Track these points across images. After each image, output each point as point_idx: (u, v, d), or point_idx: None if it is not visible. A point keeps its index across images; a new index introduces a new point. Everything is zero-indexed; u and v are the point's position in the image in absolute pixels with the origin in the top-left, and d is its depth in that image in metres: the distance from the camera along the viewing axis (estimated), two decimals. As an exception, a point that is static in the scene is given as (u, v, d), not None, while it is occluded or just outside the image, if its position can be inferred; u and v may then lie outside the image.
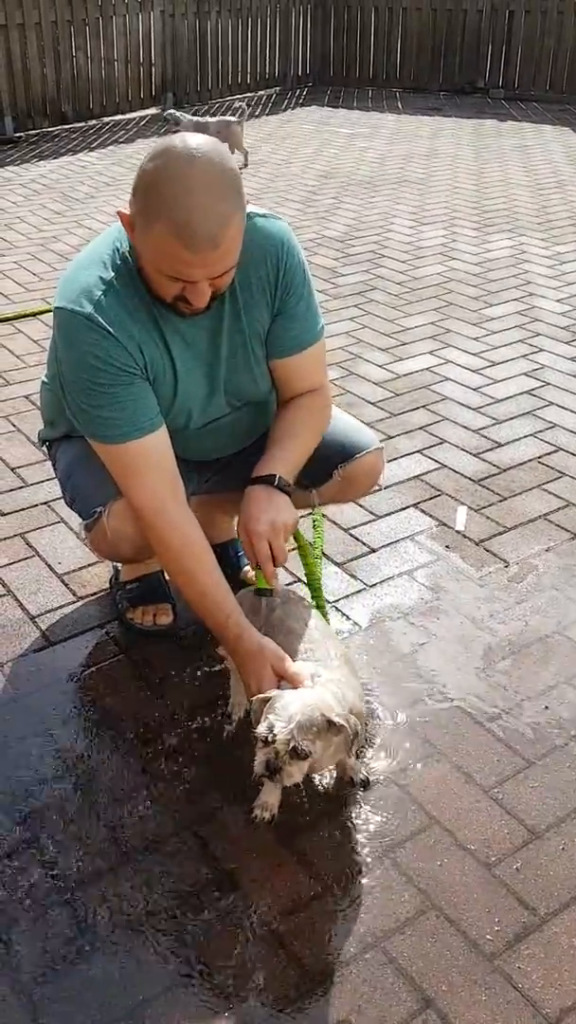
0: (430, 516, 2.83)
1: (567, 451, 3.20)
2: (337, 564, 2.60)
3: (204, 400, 1.97)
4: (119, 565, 2.43)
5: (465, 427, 3.37)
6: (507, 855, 1.77)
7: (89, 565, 2.59)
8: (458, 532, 2.75)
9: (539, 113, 9.80)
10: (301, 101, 10.67)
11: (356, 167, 7.50)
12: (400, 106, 10.30)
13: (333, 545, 2.67)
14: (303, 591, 2.11)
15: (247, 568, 2.48)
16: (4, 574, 2.57)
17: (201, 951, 1.60)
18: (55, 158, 7.87)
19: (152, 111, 9.84)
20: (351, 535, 2.73)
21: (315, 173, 7.28)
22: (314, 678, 1.72)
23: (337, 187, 6.85)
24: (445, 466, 3.11)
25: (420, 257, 5.27)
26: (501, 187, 6.82)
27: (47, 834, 1.82)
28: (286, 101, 10.65)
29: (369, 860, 1.76)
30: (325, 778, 1.91)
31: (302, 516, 2.67)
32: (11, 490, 2.98)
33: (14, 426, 3.39)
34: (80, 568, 2.58)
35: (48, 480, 2.96)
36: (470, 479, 3.03)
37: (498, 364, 3.89)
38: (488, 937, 1.63)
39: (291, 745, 1.56)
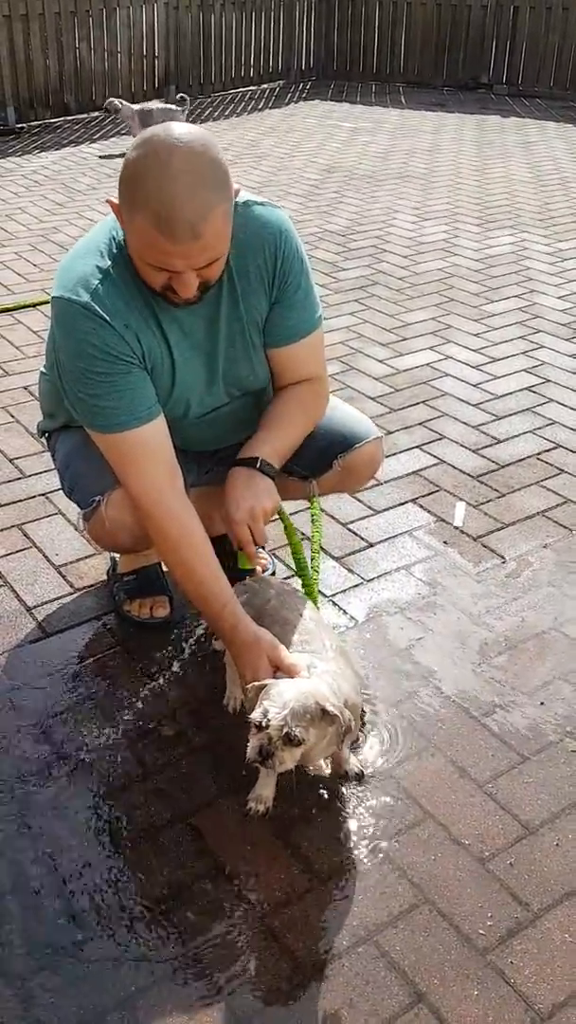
0: (428, 511, 2.83)
1: (566, 448, 3.20)
2: (335, 558, 2.60)
3: (203, 389, 1.97)
4: (116, 557, 2.43)
5: (465, 423, 3.37)
6: (501, 850, 1.77)
7: (86, 557, 2.58)
8: (456, 528, 2.75)
9: (543, 109, 9.79)
10: (304, 95, 10.65)
11: (359, 162, 7.48)
12: (403, 101, 10.28)
13: (331, 539, 2.67)
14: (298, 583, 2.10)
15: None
16: (1, 565, 2.57)
17: (194, 942, 1.61)
18: (57, 149, 7.85)
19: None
20: (349, 529, 2.73)
21: (318, 167, 7.27)
22: (310, 669, 1.72)
23: (339, 181, 6.84)
24: (444, 462, 3.11)
25: (421, 252, 5.27)
26: (503, 183, 6.81)
27: (41, 824, 1.82)
28: (289, 95, 10.63)
29: (363, 854, 1.76)
30: (322, 771, 1.91)
31: (301, 509, 2.68)
32: (9, 481, 2.97)
33: (12, 417, 3.39)
34: (77, 560, 2.58)
35: (46, 471, 2.95)
36: (469, 475, 3.03)
37: (498, 360, 3.89)
38: (481, 932, 1.63)
39: (284, 731, 1.56)
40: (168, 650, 2.27)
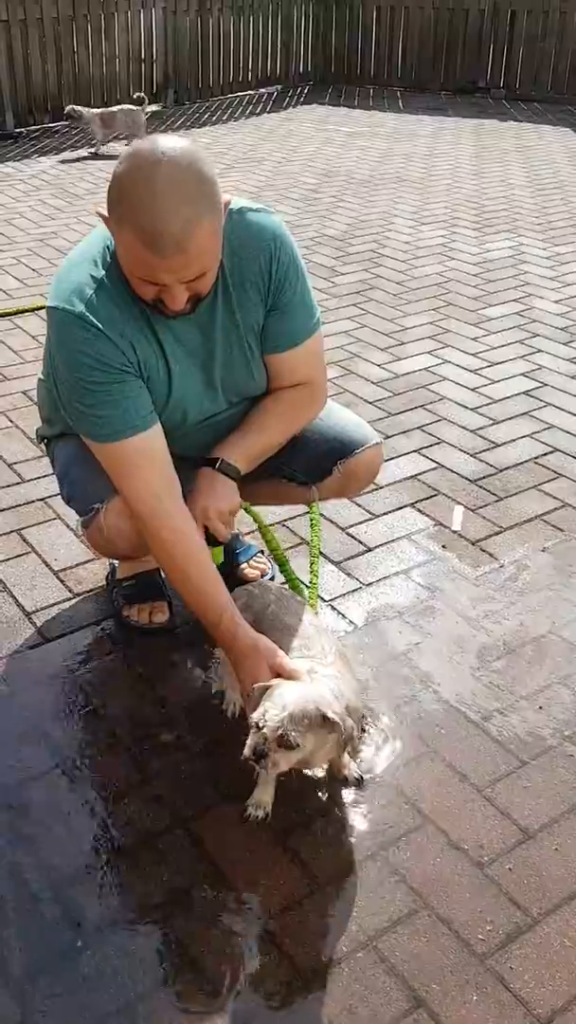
0: (427, 516, 2.83)
1: (564, 452, 3.20)
2: (334, 563, 2.60)
3: (200, 397, 1.97)
4: (116, 562, 2.43)
5: (463, 427, 3.37)
6: (500, 855, 1.77)
7: (85, 562, 2.58)
8: (454, 532, 2.75)
9: (540, 113, 9.80)
10: (302, 99, 10.66)
11: (356, 166, 7.49)
12: (401, 105, 10.30)
13: (330, 544, 2.67)
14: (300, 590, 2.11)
15: (244, 566, 2.49)
16: (0, 570, 2.57)
17: (193, 948, 1.61)
18: (56, 154, 7.86)
19: (153, 108, 9.82)
20: (348, 534, 2.74)
21: (315, 171, 7.28)
22: (310, 674, 1.72)
23: (337, 186, 6.85)
24: (442, 466, 3.11)
25: (419, 257, 5.27)
26: (501, 187, 6.82)
27: (41, 830, 1.82)
28: (287, 99, 10.64)
29: (362, 859, 1.76)
30: (319, 774, 1.91)
31: (300, 513, 2.69)
32: (8, 486, 2.98)
33: (11, 422, 3.39)
34: (76, 565, 2.58)
35: (45, 476, 2.96)
36: (467, 479, 3.03)
37: (496, 365, 3.89)
38: (480, 937, 1.63)
39: (279, 732, 1.57)
40: (167, 655, 2.27)
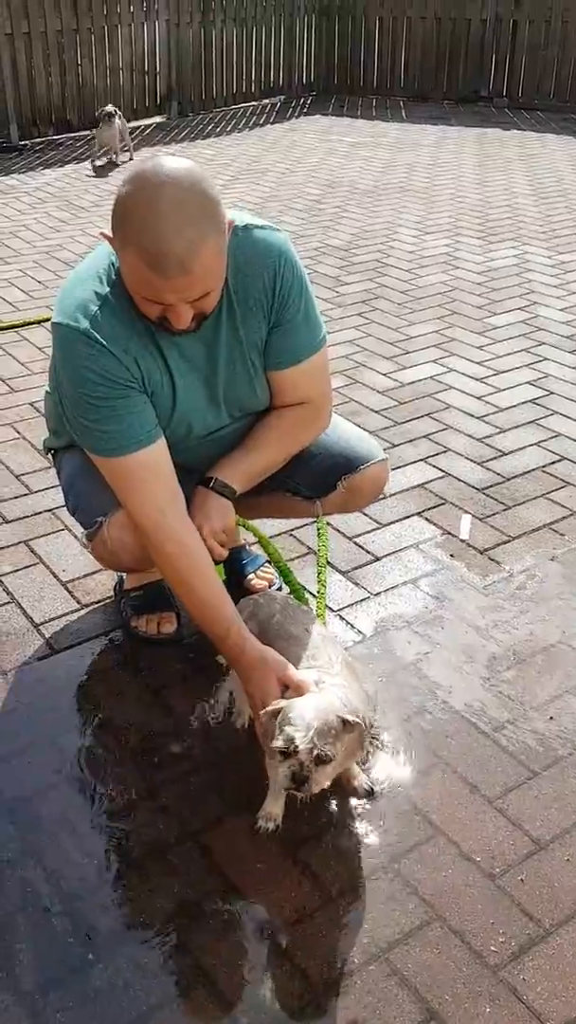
0: (434, 525, 2.83)
1: (571, 460, 3.20)
2: (341, 572, 2.60)
3: (204, 411, 1.98)
4: (124, 573, 2.43)
5: (469, 436, 3.37)
6: (512, 866, 1.77)
7: (93, 573, 2.58)
8: (462, 541, 2.75)
9: (543, 122, 9.82)
10: (305, 110, 10.69)
11: (360, 176, 7.51)
12: (404, 115, 10.32)
13: (337, 553, 2.67)
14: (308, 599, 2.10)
15: (251, 577, 2.48)
16: (8, 582, 2.57)
17: (204, 961, 1.60)
18: (60, 166, 7.89)
19: (157, 119, 9.87)
20: (355, 543, 2.73)
21: (319, 182, 7.30)
22: (318, 684, 1.72)
23: (341, 196, 6.87)
24: (449, 475, 3.11)
25: (424, 266, 5.28)
26: (505, 196, 6.83)
27: (50, 842, 1.82)
28: (290, 110, 10.67)
29: (373, 871, 1.76)
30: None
31: (308, 523, 2.68)
32: (15, 497, 2.98)
33: (19, 433, 3.39)
34: (84, 576, 2.58)
35: (52, 487, 2.96)
36: (474, 488, 3.03)
37: (502, 373, 3.89)
38: (492, 948, 1.62)
39: (314, 753, 1.55)
40: (175, 666, 2.26)
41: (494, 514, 2.88)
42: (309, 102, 11.15)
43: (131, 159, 7.87)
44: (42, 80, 8.71)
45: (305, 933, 1.64)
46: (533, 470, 3.14)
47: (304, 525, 2.74)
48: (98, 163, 7.84)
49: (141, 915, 1.68)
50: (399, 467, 3.13)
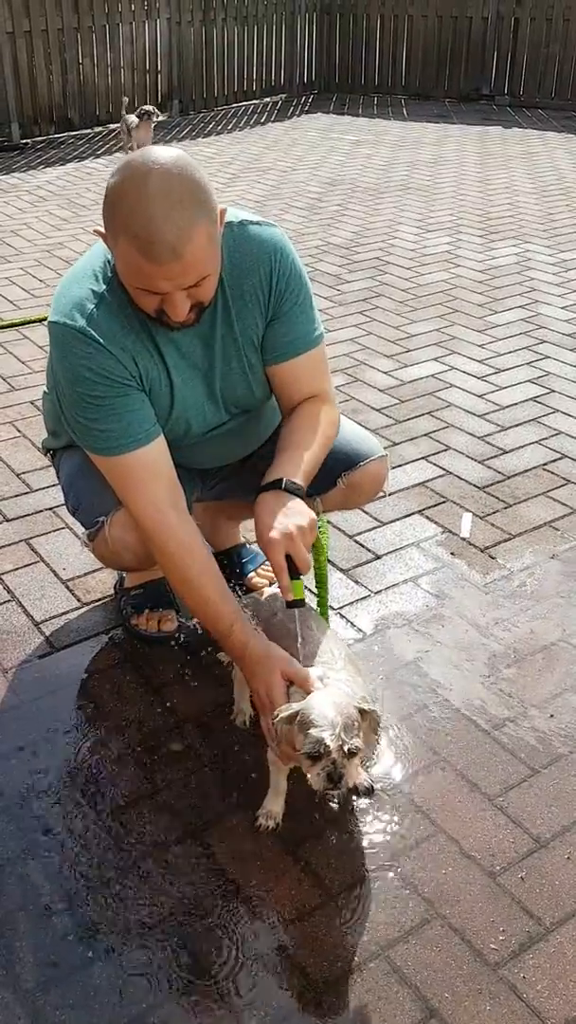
0: (435, 523, 2.83)
1: (572, 458, 3.19)
2: (342, 570, 2.60)
3: (202, 409, 1.97)
4: (124, 572, 2.43)
5: (470, 434, 3.37)
6: (512, 864, 1.76)
7: (93, 571, 2.58)
8: (463, 539, 2.75)
9: (544, 120, 9.81)
10: (306, 108, 10.68)
11: (361, 174, 7.51)
12: (405, 113, 10.31)
13: (338, 551, 2.67)
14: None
15: (252, 575, 2.48)
16: (9, 580, 2.57)
17: (205, 959, 1.60)
18: (61, 165, 7.89)
19: (159, 118, 9.85)
20: (356, 541, 2.73)
21: (320, 180, 7.29)
22: (323, 680, 1.71)
23: (342, 194, 6.86)
24: (450, 473, 3.10)
25: (425, 264, 5.27)
26: (506, 194, 6.82)
27: (51, 840, 1.82)
28: (291, 108, 10.67)
29: (373, 869, 1.76)
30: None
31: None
32: (16, 496, 2.98)
33: (19, 431, 3.39)
34: (84, 574, 2.58)
35: (53, 486, 2.96)
36: (475, 486, 3.03)
37: (503, 371, 3.89)
38: (492, 947, 1.62)
39: (345, 748, 1.54)
40: (176, 664, 2.26)
41: (495, 512, 2.88)
42: (310, 100, 11.15)
43: None
44: (43, 78, 8.71)
45: (305, 931, 1.65)
46: (534, 468, 3.13)
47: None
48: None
49: (141, 913, 1.68)
50: (400, 465, 3.13)
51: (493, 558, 2.66)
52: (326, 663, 1.77)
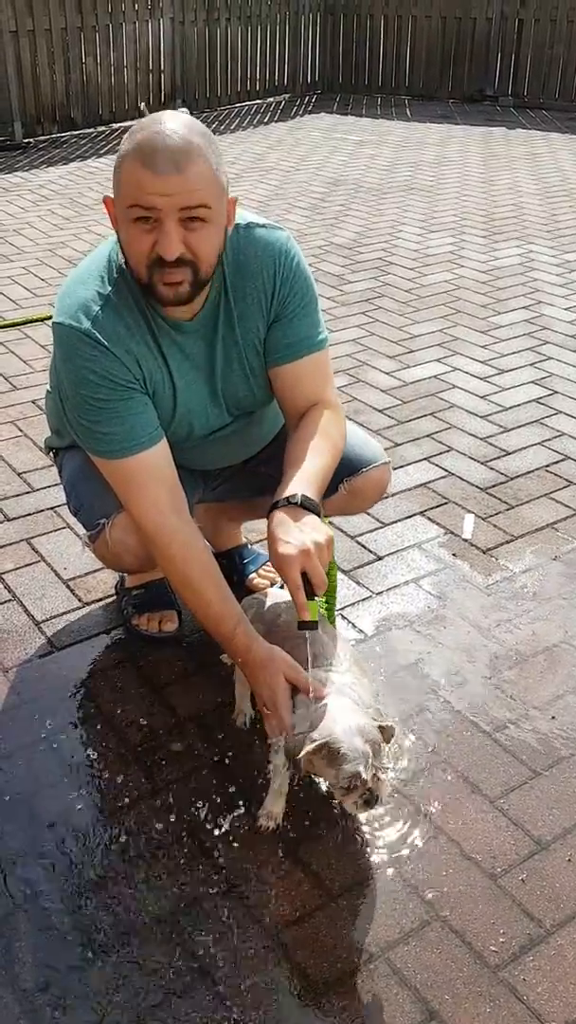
0: (437, 524, 2.82)
1: (575, 460, 3.19)
2: (344, 571, 2.59)
3: (205, 411, 1.97)
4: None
5: (473, 435, 3.36)
6: (513, 866, 1.76)
7: (94, 571, 2.58)
8: (465, 540, 2.74)
9: (548, 121, 9.80)
10: (310, 108, 10.68)
11: (364, 174, 7.50)
12: (409, 114, 10.31)
13: (340, 552, 2.66)
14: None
15: (253, 575, 2.48)
16: (10, 579, 2.57)
17: (204, 959, 1.60)
18: (64, 164, 7.89)
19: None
20: (358, 542, 2.73)
21: (323, 180, 7.29)
22: (328, 684, 1.71)
23: (345, 194, 6.86)
24: (452, 474, 3.10)
25: (428, 264, 5.27)
26: (510, 195, 6.82)
27: (51, 840, 1.82)
28: (295, 108, 10.66)
29: (373, 870, 1.75)
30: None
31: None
32: (17, 495, 2.98)
33: (21, 431, 3.39)
34: (85, 574, 2.58)
35: (54, 485, 2.96)
36: (477, 487, 3.02)
37: (506, 372, 3.89)
38: (493, 948, 1.62)
39: (376, 774, 1.56)
40: (177, 665, 2.26)
41: (497, 513, 2.88)
42: (314, 100, 11.15)
43: None
44: (46, 78, 8.70)
45: (305, 932, 1.64)
46: (536, 469, 3.13)
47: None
48: None
49: (141, 913, 1.68)
50: (402, 466, 3.12)
51: (495, 560, 2.66)
52: (331, 665, 1.76)
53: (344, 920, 1.66)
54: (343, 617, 2.41)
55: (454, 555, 2.68)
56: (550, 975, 1.58)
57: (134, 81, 9.50)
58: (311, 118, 10.11)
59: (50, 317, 4.39)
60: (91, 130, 9.20)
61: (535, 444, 3.29)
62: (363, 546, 2.71)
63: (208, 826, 1.84)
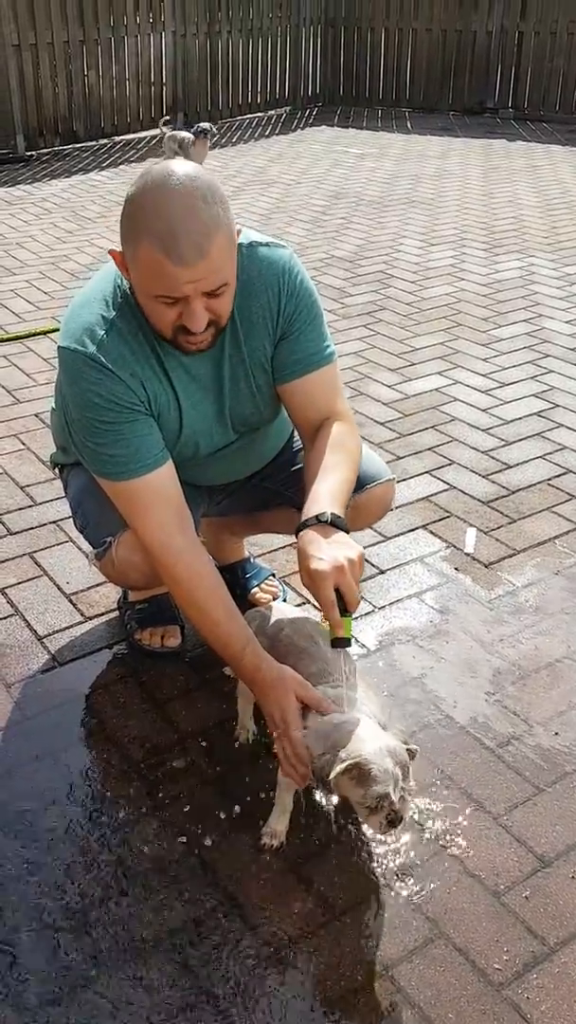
0: (439, 538, 2.82)
1: (576, 473, 3.19)
2: (346, 586, 2.59)
3: (211, 429, 1.97)
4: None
5: (474, 448, 3.37)
6: (516, 883, 1.76)
7: (97, 585, 2.58)
8: (467, 554, 2.74)
9: (548, 133, 9.84)
10: (311, 121, 10.72)
11: (365, 187, 7.53)
12: (409, 126, 10.35)
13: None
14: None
15: (255, 590, 2.48)
16: (12, 594, 2.57)
17: (207, 977, 1.59)
18: (66, 177, 7.92)
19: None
20: (360, 557, 2.72)
21: (324, 193, 7.31)
22: (340, 701, 1.70)
23: (346, 207, 6.88)
24: (454, 487, 3.10)
25: (429, 277, 5.28)
26: (510, 207, 6.84)
27: (53, 857, 1.81)
28: (296, 121, 10.71)
29: (376, 887, 1.75)
30: (335, 800, 1.89)
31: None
32: (20, 509, 2.98)
33: (23, 444, 3.40)
34: (88, 588, 2.58)
35: (57, 499, 2.96)
36: (479, 500, 3.02)
37: (507, 385, 3.89)
38: (497, 966, 1.62)
39: (403, 796, 1.55)
40: (179, 680, 2.26)
41: (499, 527, 2.88)
42: (314, 113, 11.20)
43: None
44: (49, 91, 8.75)
45: (309, 950, 1.64)
46: (538, 483, 3.13)
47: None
48: None
49: (144, 931, 1.67)
50: (404, 480, 3.13)
51: (497, 574, 2.66)
52: (339, 681, 1.76)
53: (348, 938, 1.66)
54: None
55: (456, 569, 2.68)
56: (554, 993, 1.57)
57: (136, 94, 9.55)
58: (312, 131, 10.15)
59: (53, 330, 4.42)
60: (93, 143, 9.25)
61: (537, 457, 3.30)
62: (365, 560, 2.70)
63: (210, 843, 1.84)
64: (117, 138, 9.45)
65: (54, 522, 2.89)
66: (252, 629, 1.88)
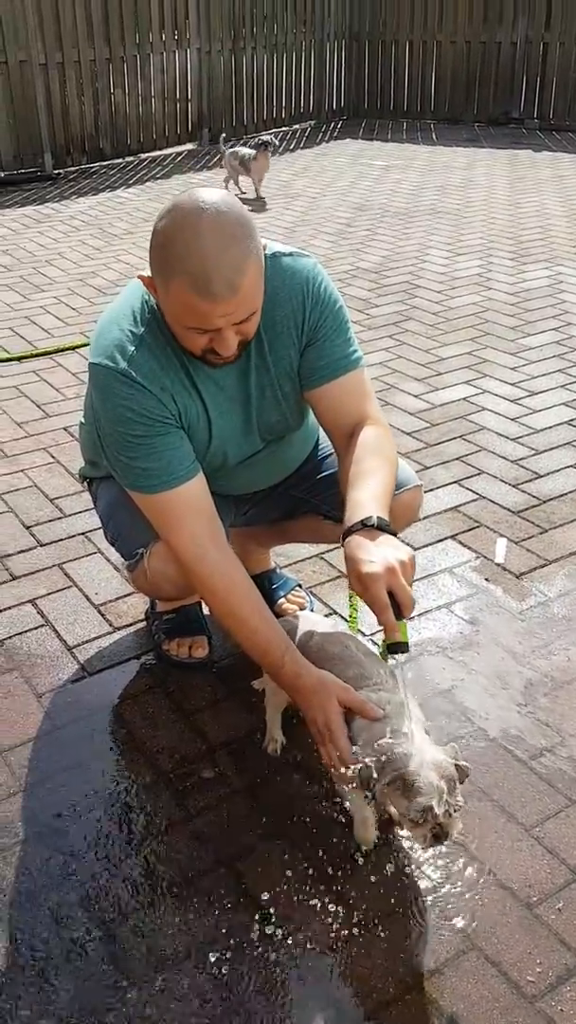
0: (469, 548, 2.81)
1: (606, 482, 3.17)
2: (374, 596, 2.58)
3: (240, 439, 1.98)
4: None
5: (503, 457, 3.35)
6: (549, 895, 1.73)
7: (125, 596, 2.59)
8: (497, 565, 2.72)
9: (574, 143, 9.80)
10: (335, 134, 10.76)
11: (391, 199, 7.53)
12: (434, 138, 10.36)
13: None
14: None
15: (282, 600, 2.47)
16: (42, 604, 2.58)
17: (237, 989, 1.58)
18: (93, 194, 7.98)
19: (189, 147, 9.97)
20: (388, 567, 2.71)
21: (349, 205, 7.33)
22: (384, 706, 1.69)
23: (371, 219, 6.89)
24: (483, 497, 3.09)
25: (455, 287, 5.27)
26: (537, 217, 6.82)
27: (84, 867, 1.81)
28: (320, 135, 10.75)
29: (408, 899, 1.73)
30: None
31: (334, 547, 2.67)
32: (50, 521, 3.00)
33: (53, 457, 3.42)
34: (117, 599, 2.59)
35: (86, 511, 2.97)
36: (509, 510, 3.00)
37: (536, 394, 3.87)
38: (530, 979, 1.59)
39: (448, 811, 1.54)
40: (207, 690, 2.26)
41: (530, 537, 2.86)
42: (339, 126, 11.23)
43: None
44: (75, 109, 8.84)
45: (339, 962, 1.62)
46: (569, 492, 3.11)
47: (335, 548, 2.72)
48: (249, 195, 7.62)
49: (174, 942, 1.67)
50: (432, 489, 3.11)
51: (528, 584, 2.64)
52: (378, 684, 1.75)
53: (379, 950, 1.65)
54: (374, 643, 2.40)
55: (487, 580, 2.66)
56: (589, 1007, 1.55)
57: (161, 111, 9.63)
58: (337, 144, 10.18)
59: (81, 345, 4.44)
60: (120, 160, 9.32)
61: (568, 466, 3.27)
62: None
63: (240, 854, 1.83)
64: (143, 155, 9.53)
65: (83, 534, 2.90)
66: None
